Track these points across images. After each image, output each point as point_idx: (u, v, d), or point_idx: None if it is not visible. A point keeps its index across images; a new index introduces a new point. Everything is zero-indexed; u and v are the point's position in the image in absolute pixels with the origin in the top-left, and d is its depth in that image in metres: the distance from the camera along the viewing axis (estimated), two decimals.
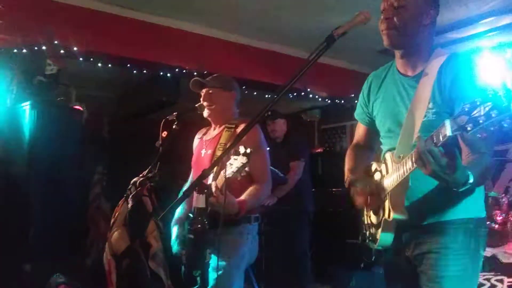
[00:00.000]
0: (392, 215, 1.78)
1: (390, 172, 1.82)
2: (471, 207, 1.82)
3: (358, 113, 2.24)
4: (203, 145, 2.76)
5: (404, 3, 1.85)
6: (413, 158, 1.57)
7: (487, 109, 1.28)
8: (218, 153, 2.50)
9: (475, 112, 1.31)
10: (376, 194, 1.88)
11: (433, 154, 1.47)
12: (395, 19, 1.86)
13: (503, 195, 4.48)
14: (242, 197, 2.43)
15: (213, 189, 2.22)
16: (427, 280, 1.80)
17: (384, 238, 1.84)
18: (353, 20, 1.77)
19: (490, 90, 1.28)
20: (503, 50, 4.98)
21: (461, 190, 1.57)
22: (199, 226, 1.70)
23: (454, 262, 1.77)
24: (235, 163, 2.04)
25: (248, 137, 2.47)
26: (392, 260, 1.99)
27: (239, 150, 2.02)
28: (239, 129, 2.55)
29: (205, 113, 2.73)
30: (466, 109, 1.33)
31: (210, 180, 2.32)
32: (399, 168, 1.73)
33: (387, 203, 1.82)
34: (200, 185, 1.75)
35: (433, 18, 1.91)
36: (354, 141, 2.29)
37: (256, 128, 2.60)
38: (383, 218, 1.83)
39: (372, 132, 2.16)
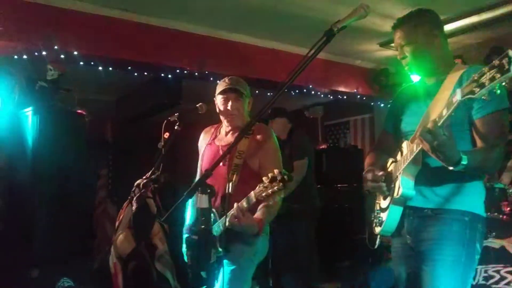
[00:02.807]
0: (400, 191, 1.95)
1: (404, 155, 1.99)
2: (469, 201, 1.97)
3: (385, 122, 2.38)
4: (218, 151, 2.59)
5: (409, 40, 2.05)
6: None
7: (492, 74, 1.46)
8: (236, 161, 2.41)
9: (482, 78, 1.49)
10: (389, 179, 2.04)
11: (431, 133, 1.66)
12: (406, 54, 2.07)
13: (510, 185, 4.44)
14: (259, 215, 2.36)
15: (235, 209, 2.19)
16: (422, 263, 1.97)
17: (393, 212, 2.01)
18: (353, 13, 1.75)
19: (496, 61, 1.44)
20: None
21: (456, 169, 1.74)
22: (202, 226, 1.68)
23: (448, 248, 1.92)
24: (269, 187, 2.03)
25: (271, 157, 2.46)
26: (396, 244, 2.17)
27: (276, 176, 1.99)
28: (257, 135, 2.50)
29: (230, 121, 2.59)
30: (476, 78, 1.52)
31: (230, 189, 2.26)
32: (411, 148, 1.91)
33: (397, 183, 1.98)
34: (203, 185, 1.73)
35: (440, 36, 2.07)
36: (376, 145, 2.43)
37: (277, 149, 2.54)
38: (393, 197, 1.99)
39: (394, 139, 2.28)
